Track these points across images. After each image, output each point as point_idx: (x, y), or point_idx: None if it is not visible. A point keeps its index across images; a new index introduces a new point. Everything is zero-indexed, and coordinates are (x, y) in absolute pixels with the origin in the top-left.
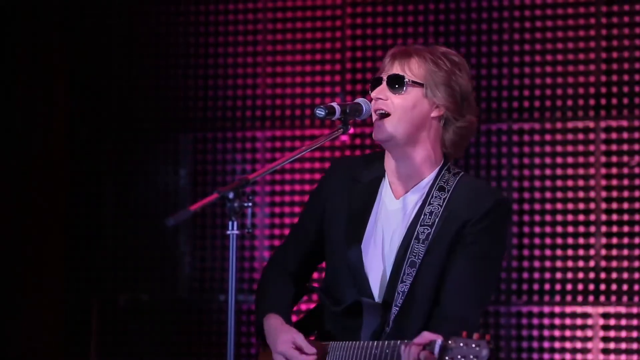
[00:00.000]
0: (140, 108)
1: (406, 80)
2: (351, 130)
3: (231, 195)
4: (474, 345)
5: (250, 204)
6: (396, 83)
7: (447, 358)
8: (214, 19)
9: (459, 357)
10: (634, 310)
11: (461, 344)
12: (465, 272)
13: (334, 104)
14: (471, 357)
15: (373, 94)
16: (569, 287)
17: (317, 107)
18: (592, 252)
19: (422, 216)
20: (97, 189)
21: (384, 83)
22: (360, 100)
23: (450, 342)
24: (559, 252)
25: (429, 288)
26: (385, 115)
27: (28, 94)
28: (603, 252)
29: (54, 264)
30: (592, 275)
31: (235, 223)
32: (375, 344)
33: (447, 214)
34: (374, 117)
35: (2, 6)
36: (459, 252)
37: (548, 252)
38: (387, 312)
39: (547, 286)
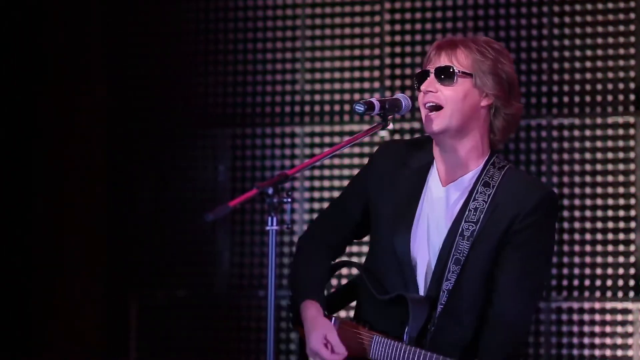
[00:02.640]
0: (179, 104)
1: (456, 71)
2: (390, 126)
3: (270, 191)
4: None
5: (289, 200)
6: (445, 74)
7: None
8: (253, 14)
9: None
10: None
11: None
12: (518, 273)
13: (373, 100)
14: None
15: (423, 87)
16: (609, 282)
17: (356, 102)
18: (632, 247)
19: (467, 212)
20: (136, 185)
21: (432, 75)
22: (399, 95)
23: None
24: (599, 247)
25: (474, 285)
26: (437, 108)
27: (67, 91)
28: None
29: (93, 260)
30: (632, 271)
31: (274, 219)
32: (419, 352)
33: (492, 209)
34: (424, 110)
35: (41, 7)
36: (509, 252)
37: (588, 248)
38: (432, 309)
39: (587, 282)
